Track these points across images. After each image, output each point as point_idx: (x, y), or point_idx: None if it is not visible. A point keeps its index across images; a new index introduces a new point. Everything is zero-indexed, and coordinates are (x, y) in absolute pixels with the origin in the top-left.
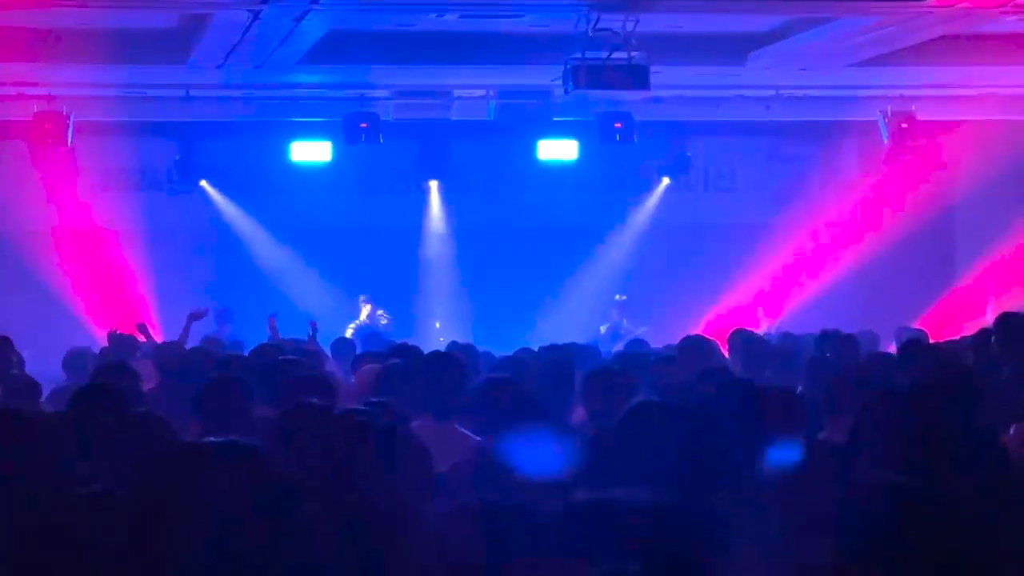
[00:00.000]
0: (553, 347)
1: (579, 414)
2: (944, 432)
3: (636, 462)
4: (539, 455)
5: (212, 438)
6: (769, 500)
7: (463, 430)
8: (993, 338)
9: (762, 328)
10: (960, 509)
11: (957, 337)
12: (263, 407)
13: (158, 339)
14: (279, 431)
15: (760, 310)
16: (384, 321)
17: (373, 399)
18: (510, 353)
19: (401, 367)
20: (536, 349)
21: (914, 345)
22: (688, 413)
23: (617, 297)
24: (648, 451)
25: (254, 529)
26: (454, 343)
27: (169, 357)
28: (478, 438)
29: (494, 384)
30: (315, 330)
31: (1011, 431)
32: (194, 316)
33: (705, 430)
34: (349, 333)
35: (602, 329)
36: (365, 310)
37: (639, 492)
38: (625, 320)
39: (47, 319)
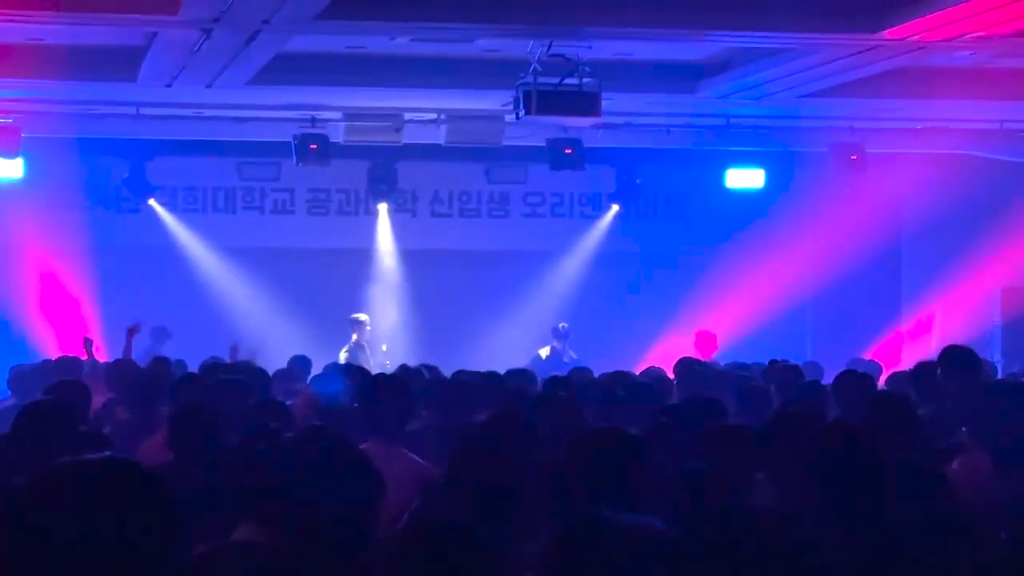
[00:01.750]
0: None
1: None
2: (880, 467)
3: (590, 491)
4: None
5: (91, 455)
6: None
7: (410, 455)
8: (938, 370)
9: (710, 356)
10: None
11: (903, 369)
12: None
13: (100, 357)
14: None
15: (715, 338)
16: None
17: (316, 423)
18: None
19: (344, 391)
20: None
21: (848, 377)
22: (637, 442)
23: (560, 326)
24: (597, 481)
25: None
26: (404, 366)
27: (124, 377)
28: (424, 463)
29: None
30: (236, 352)
31: (955, 464)
32: (132, 331)
33: (654, 460)
34: (343, 357)
35: (542, 354)
36: (355, 334)
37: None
38: (569, 349)
39: None
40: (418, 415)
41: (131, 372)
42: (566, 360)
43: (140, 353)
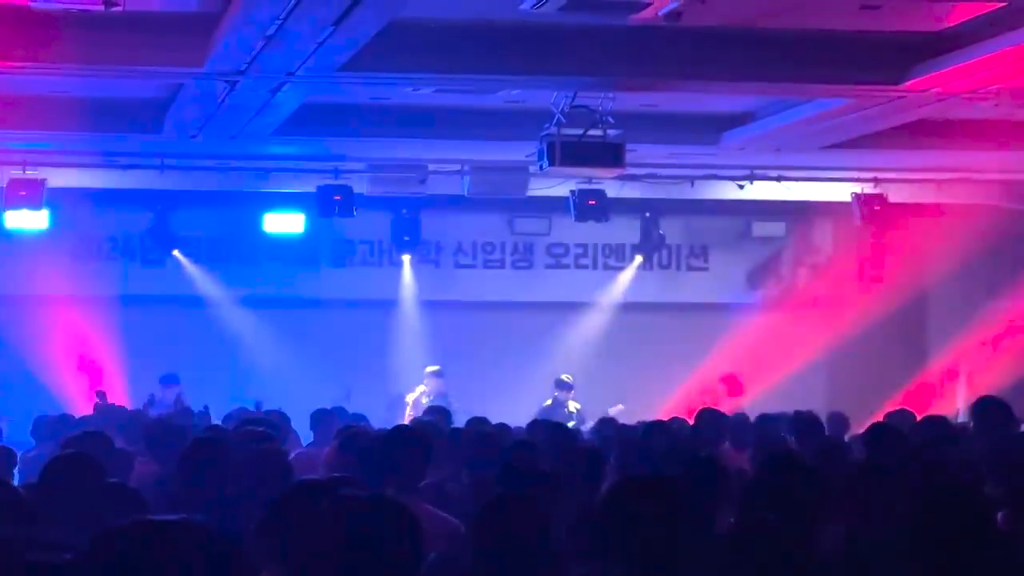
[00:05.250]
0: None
1: None
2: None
3: (622, 538)
4: None
5: (165, 516)
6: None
7: (428, 506)
8: (970, 421)
9: (733, 407)
10: None
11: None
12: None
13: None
14: (273, 510)
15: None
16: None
17: (336, 475)
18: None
19: (360, 442)
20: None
21: (878, 429)
22: (666, 490)
23: (564, 377)
24: (633, 527)
25: None
26: (416, 418)
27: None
28: (444, 515)
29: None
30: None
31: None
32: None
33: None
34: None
35: (545, 404)
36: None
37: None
38: (571, 401)
39: (18, 385)
40: (437, 467)
41: (153, 424)
42: (567, 411)
43: (163, 406)
